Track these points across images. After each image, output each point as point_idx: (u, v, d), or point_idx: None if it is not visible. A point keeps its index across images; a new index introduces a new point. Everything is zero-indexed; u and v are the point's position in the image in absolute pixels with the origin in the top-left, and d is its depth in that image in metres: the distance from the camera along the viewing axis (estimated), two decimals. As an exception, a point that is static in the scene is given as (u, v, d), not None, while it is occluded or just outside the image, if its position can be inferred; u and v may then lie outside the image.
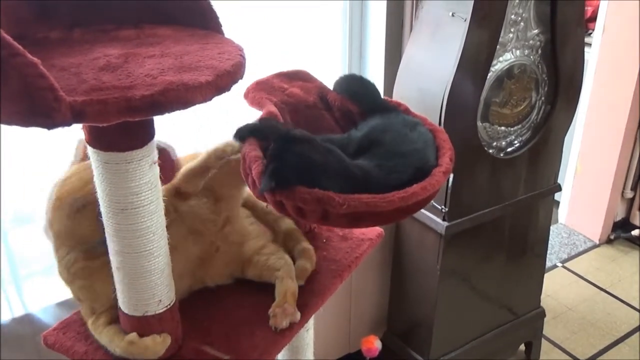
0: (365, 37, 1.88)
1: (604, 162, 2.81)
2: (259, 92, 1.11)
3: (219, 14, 0.94)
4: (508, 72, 1.67)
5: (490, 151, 1.74)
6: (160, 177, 0.90)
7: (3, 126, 0.73)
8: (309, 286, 1.13)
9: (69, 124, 0.68)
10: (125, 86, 0.71)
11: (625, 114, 2.66)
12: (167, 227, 0.95)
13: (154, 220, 0.88)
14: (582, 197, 2.96)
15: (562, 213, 3.07)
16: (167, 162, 1.01)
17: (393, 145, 0.99)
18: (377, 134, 1.02)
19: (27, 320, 1.48)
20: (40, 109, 0.66)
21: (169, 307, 0.96)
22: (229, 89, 0.80)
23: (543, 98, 1.79)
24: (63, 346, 1.02)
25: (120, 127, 0.75)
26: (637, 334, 2.38)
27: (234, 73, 0.80)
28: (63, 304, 1.48)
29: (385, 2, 1.75)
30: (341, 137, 1.05)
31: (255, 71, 1.13)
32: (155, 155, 0.85)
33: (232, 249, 1.11)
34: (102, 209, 0.86)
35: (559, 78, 1.75)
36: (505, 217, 1.87)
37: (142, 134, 0.81)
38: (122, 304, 0.95)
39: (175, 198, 1.02)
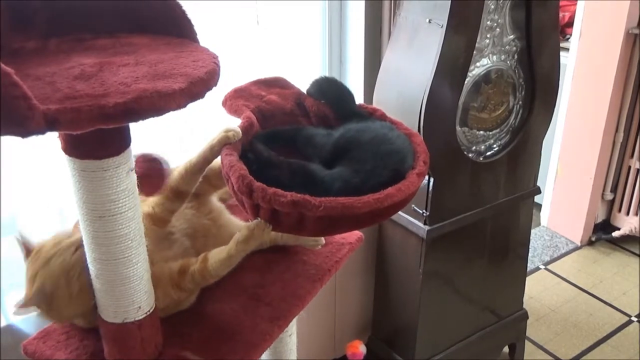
0: (345, 45, 1.90)
1: (584, 164, 2.84)
2: (236, 99, 1.12)
3: (194, 21, 0.95)
4: (485, 77, 1.69)
5: (470, 155, 1.76)
6: (151, 187, 0.92)
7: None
8: (289, 290, 1.14)
9: (42, 132, 0.69)
10: (98, 94, 0.72)
11: (603, 117, 2.71)
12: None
13: (132, 227, 0.88)
14: (563, 199, 3.00)
15: (544, 216, 3.11)
16: (155, 171, 1.01)
17: (372, 145, 1.00)
18: (354, 134, 1.03)
19: (8, 331, 1.47)
20: (14, 118, 0.67)
21: (148, 313, 0.96)
22: (202, 96, 0.81)
23: (520, 102, 1.81)
24: (43, 355, 1.02)
25: (96, 135, 0.76)
26: (619, 334, 2.41)
27: (207, 80, 0.81)
28: (45, 315, 1.47)
29: (364, 10, 1.77)
30: (322, 135, 1.06)
31: (239, 77, 1.14)
32: (132, 162, 0.86)
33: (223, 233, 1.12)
34: (79, 216, 0.86)
35: (535, 83, 1.78)
36: (486, 220, 1.89)
37: (118, 142, 0.81)
38: (101, 311, 0.95)
39: (171, 201, 1.04)
